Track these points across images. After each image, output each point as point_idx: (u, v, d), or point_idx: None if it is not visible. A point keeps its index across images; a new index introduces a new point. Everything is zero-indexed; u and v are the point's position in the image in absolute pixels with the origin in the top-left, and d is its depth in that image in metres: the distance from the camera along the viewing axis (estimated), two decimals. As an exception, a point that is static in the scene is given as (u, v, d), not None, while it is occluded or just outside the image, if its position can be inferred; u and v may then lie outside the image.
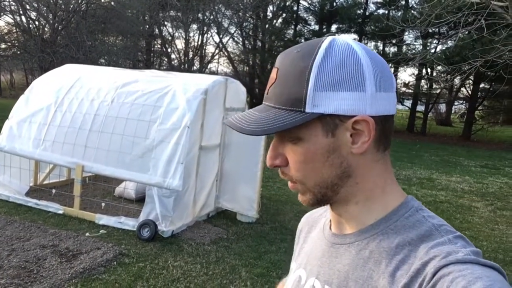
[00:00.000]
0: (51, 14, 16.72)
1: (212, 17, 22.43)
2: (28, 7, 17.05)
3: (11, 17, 18.66)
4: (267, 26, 23.70)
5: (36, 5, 16.96)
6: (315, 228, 0.87)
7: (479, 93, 22.50)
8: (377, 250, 0.67)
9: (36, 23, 17.46)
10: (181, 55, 24.16)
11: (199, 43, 23.81)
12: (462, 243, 0.63)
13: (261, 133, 0.65)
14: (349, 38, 0.71)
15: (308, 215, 0.94)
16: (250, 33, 24.36)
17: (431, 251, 0.62)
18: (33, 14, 17.42)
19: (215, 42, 24.39)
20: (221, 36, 23.13)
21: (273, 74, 0.70)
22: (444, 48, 17.68)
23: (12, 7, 17.93)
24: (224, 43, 23.85)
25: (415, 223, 0.67)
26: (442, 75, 18.18)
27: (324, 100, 0.65)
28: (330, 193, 0.70)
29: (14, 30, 19.68)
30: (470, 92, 23.03)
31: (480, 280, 0.54)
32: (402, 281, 0.62)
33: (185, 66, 22.61)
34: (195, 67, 23.65)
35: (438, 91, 22.91)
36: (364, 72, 0.66)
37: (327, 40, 0.68)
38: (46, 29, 17.67)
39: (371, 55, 0.68)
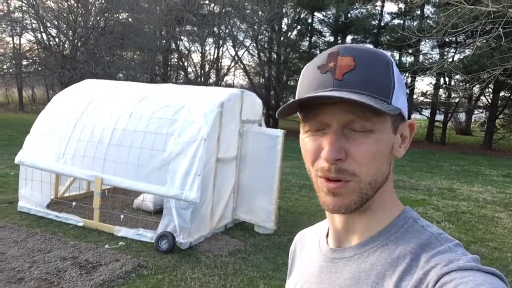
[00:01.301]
0: (70, 31, 17.16)
1: (227, 30, 22.70)
2: (48, 24, 17.53)
3: (32, 34, 19.21)
4: (282, 38, 23.85)
5: (56, 22, 17.43)
6: (307, 247, 0.85)
7: (499, 102, 22.11)
8: (378, 262, 0.67)
9: (56, 40, 17.92)
10: (197, 68, 24.47)
11: (215, 56, 24.10)
12: (461, 251, 0.64)
13: (385, 110, 0.62)
14: None
15: (299, 235, 0.92)
16: (265, 45, 24.54)
17: (432, 259, 0.62)
18: (53, 31, 17.90)
19: (231, 55, 24.65)
20: (236, 49, 23.37)
21: (347, 62, 0.66)
22: (461, 57, 17.48)
23: (33, 25, 18.46)
24: (240, 56, 24.09)
25: (415, 233, 0.68)
26: (461, 84, 17.95)
27: (399, 97, 0.67)
28: (372, 194, 0.68)
29: (35, 47, 20.23)
30: (490, 100, 22.64)
31: (482, 287, 0.55)
32: None
33: (201, 79, 22.86)
34: (211, 80, 23.89)
35: (457, 100, 22.58)
36: (403, 83, 0.70)
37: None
38: (66, 45, 18.12)
39: None
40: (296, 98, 0.68)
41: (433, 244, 0.65)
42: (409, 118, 0.72)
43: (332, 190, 0.67)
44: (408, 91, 19.75)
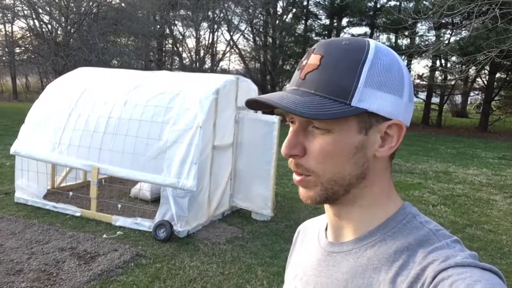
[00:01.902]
0: (63, 17, 16.91)
1: (222, 15, 22.48)
2: (40, 11, 17.28)
3: (24, 21, 18.94)
4: (277, 22, 23.65)
5: (48, 8, 17.18)
6: (308, 239, 0.86)
7: (495, 83, 22.10)
8: (375, 257, 0.67)
9: (49, 26, 17.69)
10: (192, 54, 24.29)
11: (210, 41, 23.90)
12: (459, 247, 0.64)
13: (314, 117, 0.63)
14: (386, 46, 0.72)
15: (304, 225, 0.94)
16: (261, 29, 24.34)
17: (430, 255, 0.62)
18: (45, 18, 17.65)
19: (226, 40, 24.52)
20: (231, 33, 23.18)
21: (314, 60, 0.67)
22: (458, 38, 17.40)
23: (25, 12, 18.18)
24: (235, 41, 23.89)
25: (413, 229, 0.68)
26: (457, 66, 17.91)
27: (370, 97, 0.65)
28: (341, 191, 0.69)
29: (28, 35, 19.97)
30: (486, 82, 22.63)
31: (479, 283, 0.55)
32: (402, 287, 0.62)
33: (196, 65, 22.71)
34: (206, 66, 23.73)
35: (453, 82, 22.57)
36: (404, 80, 0.68)
37: (372, 41, 0.69)
38: (58, 32, 17.90)
39: (406, 67, 0.70)
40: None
41: (430, 240, 0.65)
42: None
43: (296, 183, 0.72)
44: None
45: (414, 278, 0.61)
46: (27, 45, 19.76)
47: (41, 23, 17.69)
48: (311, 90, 0.66)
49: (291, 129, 0.71)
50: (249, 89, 6.18)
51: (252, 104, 0.71)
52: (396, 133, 0.68)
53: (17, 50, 20.13)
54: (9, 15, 18.50)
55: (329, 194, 0.69)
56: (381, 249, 0.67)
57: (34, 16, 17.66)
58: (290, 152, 0.69)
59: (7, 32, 22.07)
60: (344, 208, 0.72)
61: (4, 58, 19.56)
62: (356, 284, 0.67)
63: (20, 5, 18.31)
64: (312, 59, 0.67)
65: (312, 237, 0.84)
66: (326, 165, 0.67)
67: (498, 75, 22.21)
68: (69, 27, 16.79)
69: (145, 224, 5.05)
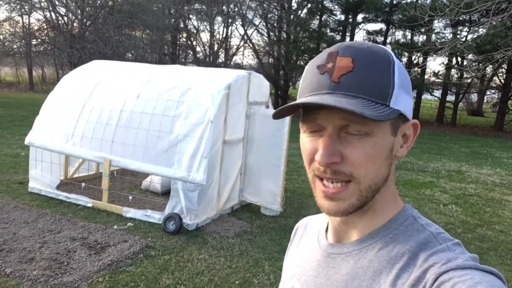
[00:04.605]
0: (79, 10, 17.09)
1: (236, 9, 22.45)
2: (57, 3, 17.47)
3: (41, 13, 19.17)
4: (292, 17, 23.52)
5: (65, 1, 17.37)
6: (307, 237, 0.86)
7: (512, 82, 21.71)
8: (376, 260, 0.67)
9: (65, 19, 17.89)
10: (206, 48, 24.32)
11: (224, 35, 23.92)
12: (460, 250, 0.64)
13: (378, 118, 0.61)
14: None
15: (304, 221, 0.93)
16: (275, 24, 24.24)
17: (431, 258, 0.62)
18: (62, 10, 17.86)
19: (240, 34, 24.46)
20: (245, 28, 23.14)
21: (345, 63, 0.65)
22: (475, 36, 17.11)
23: (42, 4, 18.41)
24: (249, 35, 23.84)
25: (414, 232, 0.68)
26: (473, 64, 17.63)
27: (401, 98, 0.66)
28: (371, 196, 0.68)
29: (44, 27, 20.22)
30: (503, 81, 22.25)
31: (480, 285, 0.55)
32: None
33: (210, 59, 22.75)
34: (220, 60, 23.76)
35: (469, 80, 22.22)
36: (410, 82, 0.70)
37: (381, 46, 0.70)
38: (74, 24, 18.09)
39: None
40: (298, 96, 0.70)
41: (431, 243, 0.65)
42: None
43: (330, 195, 0.67)
44: (419, 71, 19.46)
45: (415, 281, 0.61)
46: (44, 37, 20.02)
47: (58, 15, 17.89)
48: (351, 93, 0.63)
49: (306, 139, 0.69)
50: (261, 85, 6.19)
51: (286, 111, 0.68)
52: (412, 132, 0.70)
53: (34, 41, 20.41)
54: (26, 7, 18.74)
55: (363, 203, 0.68)
56: (382, 252, 0.67)
57: (50, 8, 17.87)
58: (330, 160, 0.65)
59: (25, 24, 22.37)
60: (358, 215, 0.70)
61: (21, 50, 19.84)
62: (355, 286, 0.68)
63: (37, -2, 18.55)
64: (342, 62, 0.65)
65: (311, 237, 0.83)
66: (367, 170, 0.66)
67: (515, 74, 21.81)
68: (85, 20, 16.97)
69: (155, 216, 5.11)
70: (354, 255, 0.70)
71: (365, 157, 0.65)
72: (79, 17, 17.16)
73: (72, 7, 17.39)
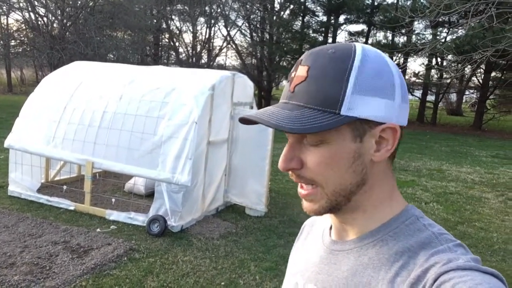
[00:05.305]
0: (59, 11, 16.82)
1: (219, 10, 22.39)
2: (36, 3, 17.15)
3: (20, 14, 18.80)
4: (274, 18, 23.59)
5: (44, 1, 17.06)
6: (313, 235, 0.87)
7: (490, 82, 22.20)
8: (376, 257, 0.68)
9: (45, 19, 17.57)
10: (188, 49, 24.21)
11: (207, 36, 23.84)
12: (461, 251, 0.64)
13: (302, 131, 0.63)
14: (374, 48, 0.71)
15: (311, 220, 0.95)
16: (258, 25, 24.27)
17: (431, 258, 0.62)
18: (41, 11, 17.54)
19: (223, 35, 24.46)
20: (228, 29, 23.10)
21: (301, 72, 0.67)
22: (454, 37, 17.45)
23: (21, 4, 18.05)
24: (232, 36, 23.82)
25: (415, 231, 0.68)
26: (453, 64, 17.96)
27: (360, 104, 0.65)
28: (344, 201, 0.70)
29: (23, 27, 19.83)
30: (481, 81, 22.74)
31: (481, 286, 0.55)
32: (402, 287, 0.62)
33: (193, 60, 22.65)
34: (203, 61, 23.67)
35: (449, 80, 22.64)
36: (394, 82, 0.68)
37: (359, 45, 0.69)
38: (54, 25, 17.78)
39: (396, 68, 0.70)
40: None
41: (433, 243, 0.65)
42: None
43: (302, 197, 0.72)
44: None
45: (415, 280, 0.61)
46: (23, 38, 19.64)
47: (37, 15, 17.57)
48: (300, 103, 0.66)
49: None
50: (245, 85, 6.19)
51: (245, 121, 0.71)
52: (391, 136, 0.68)
53: (12, 42, 19.99)
54: (4, 7, 18.35)
55: (333, 205, 0.70)
56: (382, 249, 0.68)
57: (30, 9, 17.54)
58: (287, 166, 0.69)
59: (3, 25, 21.91)
60: (348, 215, 0.72)
61: (-1, 51, 19.43)
62: (355, 282, 0.68)
63: (16, -2, 18.18)
64: (300, 71, 0.68)
65: (317, 234, 0.85)
66: (327, 176, 0.68)
67: (493, 74, 22.34)
68: (65, 21, 16.70)
69: (139, 219, 5.06)
70: (355, 252, 0.71)
71: (322, 165, 0.67)
72: (59, 17, 16.88)
73: (52, 8, 17.09)
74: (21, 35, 20.05)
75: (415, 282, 0.61)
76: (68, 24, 16.73)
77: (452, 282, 0.57)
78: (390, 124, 0.67)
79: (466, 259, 0.61)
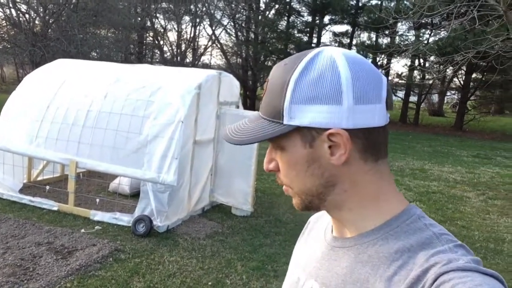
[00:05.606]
0: (41, 7, 16.51)
1: (204, 8, 22.32)
2: (17, 0, 16.82)
3: (1, 10, 18.40)
4: (260, 17, 23.60)
5: (25, -2, 16.74)
6: (316, 231, 0.89)
7: (471, 83, 22.60)
8: (376, 255, 0.69)
9: (26, 16, 17.22)
10: (173, 47, 24.06)
11: (192, 35, 23.74)
12: (462, 252, 0.64)
13: (246, 142, 0.70)
14: (338, 50, 0.70)
15: (315, 216, 0.95)
16: (243, 25, 24.25)
17: (432, 258, 0.63)
18: (23, 7, 17.18)
19: (208, 34, 24.35)
20: (213, 28, 23.05)
21: (265, 85, 0.73)
22: (436, 39, 17.71)
23: (1, 1, 17.67)
24: (217, 35, 23.76)
25: (416, 231, 0.68)
26: (435, 65, 18.24)
27: (299, 113, 0.67)
28: (316, 200, 0.73)
29: (4, 24, 19.42)
30: (462, 82, 23.13)
31: (481, 287, 0.55)
32: (400, 286, 0.63)
33: (177, 59, 22.52)
34: (188, 60, 23.55)
35: (431, 81, 23.00)
36: (341, 86, 0.66)
37: (312, 53, 0.69)
38: (36, 22, 17.45)
39: (356, 68, 0.68)
40: None
41: (433, 243, 0.65)
42: None
43: (284, 191, 0.79)
44: (383, 73, 19.95)
45: (414, 279, 0.61)
46: (3, 35, 19.22)
47: (18, 12, 17.21)
48: (261, 114, 0.73)
49: None
50: (232, 85, 6.18)
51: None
52: (340, 140, 0.67)
53: (-8, 39, 19.55)
54: (-16, 3, 17.93)
55: (306, 203, 0.75)
56: (382, 248, 0.68)
57: (11, 5, 17.18)
58: (267, 167, 0.76)
59: (-18, 21, 21.40)
60: (335, 212, 0.75)
61: (-22, 48, 18.98)
62: (354, 278, 0.69)
63: (-4, -6, 17.79)
64: (266, 84, 0.73)
65: (319, 230, 0.86)
66: (290, 179, 0.74)
67: (474, 75, 22.75)
68: (47, 17, 16.41)
69: (124, 219, 5.01)
70: (355, 249, 0.72)
71: (284, 168, 0.74)
72: (41, 14, 16.57)
73: (33, 4, 16.77)
74: (1, 32, 19.63)
75: (414, 282, 0.61)
76: (50, 21, 16.45)
77: (452, 282, 0.57)
78: (334, 129, 0.67)
79: (466, 260, 0.61)
